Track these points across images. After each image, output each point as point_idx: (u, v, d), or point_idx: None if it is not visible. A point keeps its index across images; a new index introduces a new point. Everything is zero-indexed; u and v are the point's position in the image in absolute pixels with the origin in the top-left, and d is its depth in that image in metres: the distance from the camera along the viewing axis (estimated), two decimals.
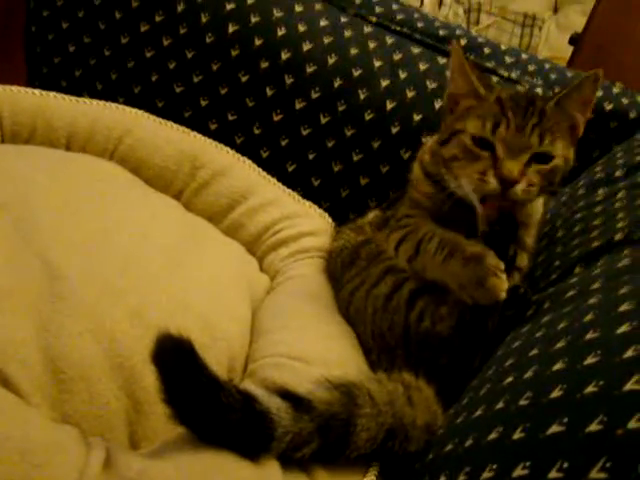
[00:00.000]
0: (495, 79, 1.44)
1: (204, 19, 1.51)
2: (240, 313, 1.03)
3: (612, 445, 0.50)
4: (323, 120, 1.47)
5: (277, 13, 1.51)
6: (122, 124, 1.35)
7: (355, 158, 1.46)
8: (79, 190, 1.11)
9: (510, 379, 0.72)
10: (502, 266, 0.89)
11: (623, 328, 0.64)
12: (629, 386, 0.54)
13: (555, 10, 3.86)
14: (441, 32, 1.55)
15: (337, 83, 1.46)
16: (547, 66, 1.54)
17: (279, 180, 1.39)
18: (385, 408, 0.78)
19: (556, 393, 0.61)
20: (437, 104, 1.42)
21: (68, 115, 1.31)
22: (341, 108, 1.46)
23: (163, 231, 1.10)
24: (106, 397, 0.80)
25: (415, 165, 1.15)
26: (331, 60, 1.47)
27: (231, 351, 0.94)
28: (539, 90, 1.43)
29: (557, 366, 0.65)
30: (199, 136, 1.39)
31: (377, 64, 1.47)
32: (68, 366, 0.79)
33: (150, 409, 0.82)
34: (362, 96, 1.45)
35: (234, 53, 1.50)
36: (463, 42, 1.54)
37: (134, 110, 1.39)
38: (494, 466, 0.59)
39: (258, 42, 1.50)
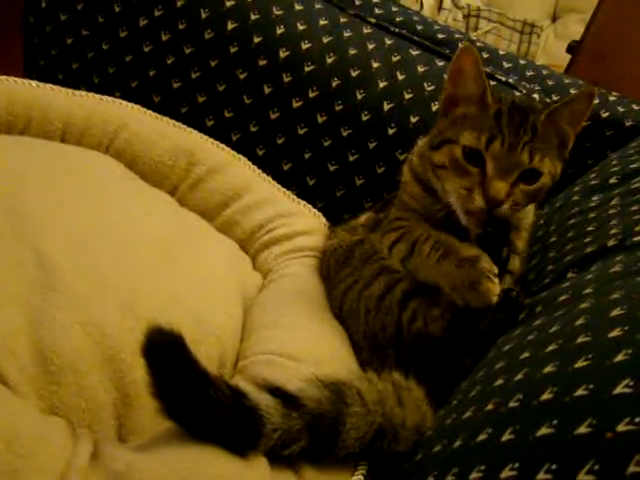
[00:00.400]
0: (493, 83, 1.43)
1: (203, 15, 1.51)
2: (232, 310, 1.03)
3: (601, 448, 0.50)
4: (320, 119, 1.47)
5: (276, 11, 1.51)
6: (118, 118, 1.34)
7: (351, 158, 1.46)
8: (73, 183, 1.10)
9: (500, 381, 0.72)
10: (496, 270, 0.89)
11: (614, 332, 0.64)
12: (619, 390, 0.54)
13: (554, 18, 3.87)
14: (440, 35, 1.56)
15: (335, 83, 1.46)
16: (544, 72, 1.54)
17: (274, 178, 1.39)
18: (375, 407, 0.78)
19: (546, 395, 0.61)
20: (434, 107, 1.42)
21: (64, 107, 1.31)
22: (338, 108, 1.46)
23: (157, 226, 1.10)
24: (95, 390, 0.80)
25: (405, 167, 1.14)
26: (329, 60, 1.47)
27: (222, 347, 0.94)
28: (536, 96, 1.43)
29: (548, 369, 0.66)
30: (195, 132, 1.39)
31: (375, 65, 1.47)
32: (58, 357, 0.79)
33: (139, 403, 0.81)
34: (359, 96, 1.45)
35: (232, 50, 1.50)
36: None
37: (130, 104, 1.39)
38: (482, 467, 0.59)
39: (257, 40, 1.49)
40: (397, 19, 1.57)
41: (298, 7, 1.53)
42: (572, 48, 2.69)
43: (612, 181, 1.14)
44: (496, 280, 0.88)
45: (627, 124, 1.44)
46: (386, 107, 1.43)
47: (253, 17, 1.50)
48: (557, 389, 0.61)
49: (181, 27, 1.52)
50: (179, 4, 1.53)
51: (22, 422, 0.68)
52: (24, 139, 1.23)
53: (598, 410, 0.54)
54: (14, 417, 0.68)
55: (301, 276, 1.16)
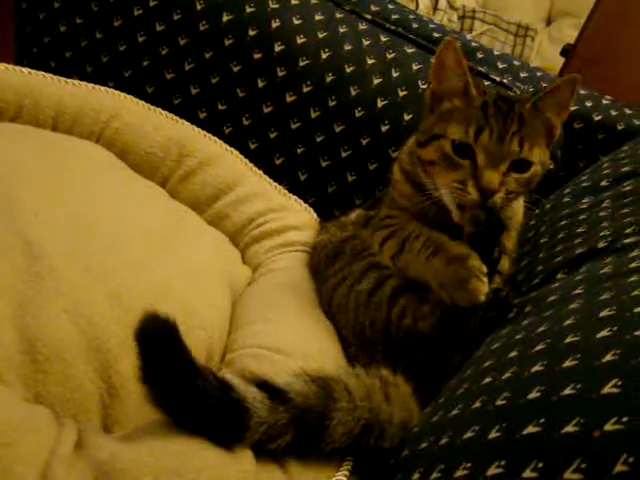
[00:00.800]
0: (487, 83, 1.43)
1: (199, 6, 1.51)
2: (220, 302, 1.03)
3: (588, 447, 0.50)
4: (313, 114, 1.46)
5: (272, 5, 1.51)
6: (110, 108, 1.34)
7: (343, 154, 1.45)
8: (64, 171, 1.10)
9: (488, 379, 0.72)
10: (484, 269, 0.89)
11: (603, 333, 0.64)
12: (607, 389, 0.54)
13: (548, 22, 3.88)
14: (435, 34, 1.56)
15: (329, 78, 1.46)
16: (538, 74, 1.55)
17: (266, 173, 1.38)
18: (362, 403, 0.77)
19: (534, 394, 0.61)
20: None
21: (56, 95, 1.30)
22: (332, 104, 1.45)
23: (147, 216, 1.10)
24: (81, 379, 0.79)
25: (395, 166, 1.14)
26: (324, 55, 1.47)
27: (210, 340, 0.94)
28: None
29: (536, 368, 0.66)
30: (187, 124, 1.38)
31: (370, 62, 1.46)
32: (44, 346, 0.78)
33: (124, 393, 0.81)
34: (353, 93, 1.45)
35: (227, 42, 1.49)
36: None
37: (123, 94, 1.38)
38: (468, 464, 0.59)
39: (252, 33, 1.49)
40: (393, 17, 1.57)
41: (294, 1, 1.52)
42: (566, 51, 2.69)
43: (603, 184, 1.14)
44: (485, 279, 0.88)
45: (619, 128, 1.45)
46: (380, 104, 1.43)
47: (249, 10, 1.50)
48: (545, 388, 0.61)
49: (176, 18, 1.51)
50: None
51: (6, 410, 0.67)
52: (15, 126, 1.22)
53: (586, 409, 0.54)
54: None
55: (290, 271, 1.16)
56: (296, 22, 1.50)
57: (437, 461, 0.65)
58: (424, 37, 1.54)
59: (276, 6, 1.51)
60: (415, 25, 1.56)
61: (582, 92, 1.51)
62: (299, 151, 1.49)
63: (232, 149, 1.37)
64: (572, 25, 3.58)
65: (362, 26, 1.52)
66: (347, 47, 1.48)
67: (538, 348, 0.70)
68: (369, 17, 1.55)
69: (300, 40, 1.48)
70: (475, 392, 0.72)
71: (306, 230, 1.28)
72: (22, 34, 1.67)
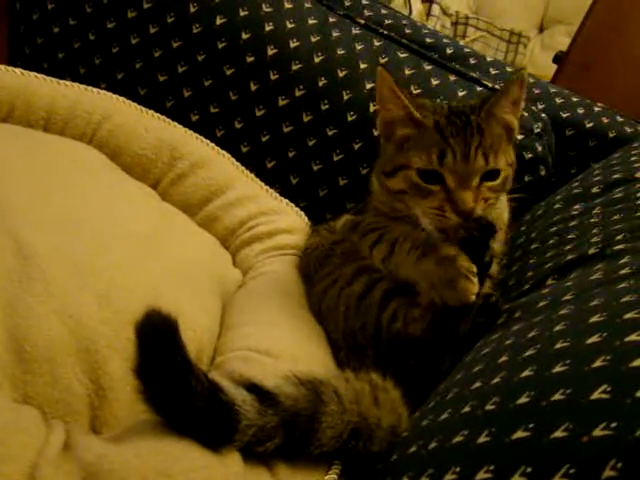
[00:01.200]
0: (479, 89, 1.44)
1: (192, 9, 1.51)
2: (210, 305, 1.03)
3: (577, 452, 0.50)
4: (305, 118, 1.46)
5: (266, 8, 1.51)
6: (102, 109, 1.33)
7: (335, 158, 1.45)
8: (55, 172, 1.09)
9: (478, 384, 0.72)
10: (474, 269, 0.89)
11: (593, 339, 0.64)
12: (597, 395, 0.54)
13: (541, 29, 3.90)
14: (428, 40, 1.56)
15: (322, 82, 1.46)
16: (530, 80, 1.55)
17: (257, 176, 1.38)
18: (351, 407, 0.77)
19: (523, 399, 0.61)
20: None
21: (48, 96, 1.30)
22: (324, 107, 1.45)
23: (137, 218, 1.09)
24: (69, 380, 0.79)
25: (373, 177, 1.12)
26: (317, 59, 1.47)
27: (199, 342, 0.94)
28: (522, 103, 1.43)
29: (525, 373, 0.65)
30: (179, 127, 1.38)
31: (363, 66, 1.47)
32: (32, 347, 0.78)
33: (113, 395, 0.81)
34: (346, 97, 1.45)
35: (220, 45, 1.49)
36: (449, 51, 1.54)
37: (115, 96, 1.38)
38: (457, 469, 0.59)
39: (245, 36, 1.49)
40: (386, 22, 1.57)
41: (288, 5, 1.52)
42: (558, 58, 2.71)
43: (594, 190, 1.14)
44: (475, 279, 0.88)
45: (610, 135, 1.45)
46: (372, 108, 1.43)
47: (242, 13, 1.50)
48: (534, 393, 0.61)
49: (169, 20, 1.51)
50: None
51: None
52: (6, 127, 1.22)
53: (575, 415, 0.54)
54: None
55: (281, 274, 1.16)
56: (289, 26, 1.50)
57: (426, 465, 0.64)
58: (417, 42, 1.54)
59: (269, 10, 1.51)
60: (408, 30, 1.57)
61: (574, 99, 1.51)
62: (291, 155, 1.49)
63: (224, 152, 1.37)
64: (564, 32, 3.60)
65: (355, 31, 1.53)
66: (340, 51, 1.48)
67: (528, 353, 0.70)
68: (362, 22, 1.56)
69: (293, 44, 1.48)
70: (464, 397, 0.71)
71: (297, 234, 1.28)
72: (15, 34, 1.67)
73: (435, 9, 3.77)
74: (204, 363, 0.93)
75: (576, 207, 1.13)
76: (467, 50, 1.58)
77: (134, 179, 1.27)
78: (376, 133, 1.36)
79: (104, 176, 1.20)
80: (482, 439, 0.60)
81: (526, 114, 1.39)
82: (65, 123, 1.30)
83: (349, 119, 1.44)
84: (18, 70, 1.30)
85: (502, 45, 3.81)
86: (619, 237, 0.92)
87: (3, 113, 1.25)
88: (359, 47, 1.49)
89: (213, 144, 1.38)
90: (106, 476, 0.64)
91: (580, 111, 1.49)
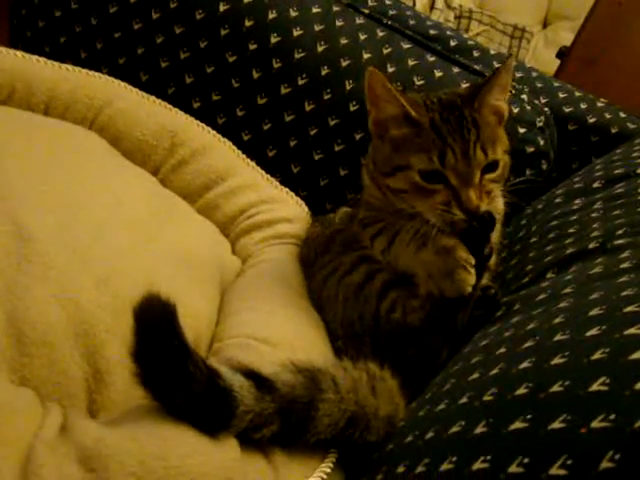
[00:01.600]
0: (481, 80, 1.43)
1: None
2: (208, 292, 1.02)
3: (574, 443, 0.50)
4: (307, 107, 1.46)
5: None
6: (104, 94, 1.33)
7: (336, 148, 1.45)
8: (55, 156, 1.09)
9: (475, 375, 0.72)
10: (472, 260, 0.89)
11: (592, 331, 0.64)
12: (595, 387, 0.54)
13: (545, 25, 3.89)
14: (432, 31, 1.55)
15: (324, 71, 1.46)
16: (534, 74, 1.54)
17: (258, 164, 1.38)
18: (348, 395, 0.77)
19: (521, 390, 0.61)
20: None
21: (49, 80, 1.29)
22: (326, 97, 1.45)
23: (137, 203, 1.09)
24: (67, 363, 0.79)
25: (363, 172, 1.11)
26: (320, 48, 1.47)
27: (197, 329, 0.93)
28: (524, 97, 1.43)
29: (524, 365, 0.65)
30: (181, 113, 1.38)
31: (366, 56, 1.46)
32: (31, 330, 0.78)
33: (110, 379, 0.80)
34: (348, 87, 1.44)
35: (223, 32, 1.49)
36: (453, 43, 1.54)
37: (117, 81, 1.38)
38: (454, 458, 0.59)
39: (248, 23, 1.48)
40: (390, 12, 1.57)
41: None
42: (562, 53, 2.70)
43: (595, 185, 1.14)
44: (472, 270, 0.88)
45: (613, 131, 1.45)
46: None
47: (246, 0, 1.49)
48: (532, 384, 0.61)
49: (172, 6, 1.51)
50: None
51: None
52: (6, 109, 1.21)
53: (573, 406, 0.54)
54: None
55: (280, 262, 1.15)
56: (293, 14, 1.49)
57: (422, 455, 0.64)
58: (421, 33, 1.53)
59: None
60: (412, 21, 1.56)
61: (577, 94, 1.51)
62: (292, 144, 1.48)
63: (225, 140, 1.37)
64: (568, 28, 3.58)
65: (359, 20, 1.52)
66: (343, 41, 1.47)
67: (526, 345, 0.70)
68: (366, 11, 1.55)
69: (296, 32, 1.48)
70: (462, 387, 0.71)
71: (297, 223, 1.28)
72: (16, 18, 1.66)
73: (439, 2, 3.75)
74: (202, 350, 0.93)
75: (577, 201, 1.13)
76: (471, 43, 1.57)
77: (134, 165, 1.26)
78: None
79: (104, 161, 1.20)
80: (479, 429, 0.60)
81: (529, 108, 1.39)
82: (66, 107, 1.29)
83: (351, 109, 1.44)
84: (19, 53, 1.30)
85: (505, 40, 3.79)
86: (620, 232, 0.92)
87: (3, 96, 1.25)
88: (362, 37, 1.49)
89: (214, 131, 1.37)
90: (102, 460, 0.63)
91: (583, 106, 1.49)
